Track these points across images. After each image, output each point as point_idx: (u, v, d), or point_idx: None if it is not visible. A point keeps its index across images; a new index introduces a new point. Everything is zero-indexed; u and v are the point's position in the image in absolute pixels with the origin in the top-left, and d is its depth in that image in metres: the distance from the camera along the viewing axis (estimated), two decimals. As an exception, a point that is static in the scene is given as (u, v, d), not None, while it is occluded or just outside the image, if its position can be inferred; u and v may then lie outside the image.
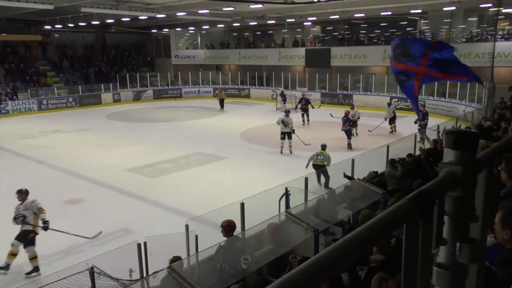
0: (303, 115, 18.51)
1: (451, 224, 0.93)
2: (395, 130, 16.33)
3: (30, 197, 7.17)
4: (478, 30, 22.21)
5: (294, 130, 13.51)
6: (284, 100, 21.95)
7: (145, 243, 5.08)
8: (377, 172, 7.85)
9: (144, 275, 5.05)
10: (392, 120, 16.42)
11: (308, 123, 18.41)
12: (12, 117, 22.05)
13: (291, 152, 13.31)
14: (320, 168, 9.72)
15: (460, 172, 0.92)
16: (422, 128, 13.06)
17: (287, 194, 6.81)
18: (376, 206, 6.32)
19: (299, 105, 18.66)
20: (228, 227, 5.58)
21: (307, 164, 10.27)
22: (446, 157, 0.96)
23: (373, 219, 0.75)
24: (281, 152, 13.41)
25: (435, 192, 0.87)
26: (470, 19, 22.62)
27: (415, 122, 13.52)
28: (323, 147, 10.47)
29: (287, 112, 13.76)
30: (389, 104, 17.10)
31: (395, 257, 3.61)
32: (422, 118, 13.25)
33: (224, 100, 23.63)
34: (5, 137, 16.91)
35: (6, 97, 22.97)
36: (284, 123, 13.30)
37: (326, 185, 9.59)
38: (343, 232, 5.95)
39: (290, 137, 13.43)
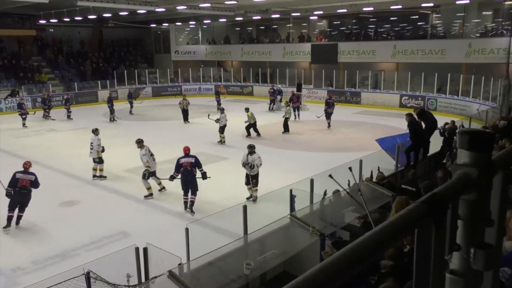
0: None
1: (465, 229, 0.92)
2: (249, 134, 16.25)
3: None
4: (493, 24, 22.09)
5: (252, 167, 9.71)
6: (273, 99, 22.70)
7: (144, 249, 5.08)
8: (382, 173, 7.84)
9: (143, 280, 5.06)
10: (222, 129, 15.44)
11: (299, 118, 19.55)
12: (5, 115, 22.14)
13: (254, 200, 9.59)
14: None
15: (474, 174, 0.91)
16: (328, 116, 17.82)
17: (291, 196, 6.80)
18: (385, 209, 6.30)
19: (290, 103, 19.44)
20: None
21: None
22: (460, 158, 0.95)
23: (384, 224, 0.74)
24: (249, 199, 9.58)
25: (449, 195, 0.86)
26: (484, 13, 22.51)
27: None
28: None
29: (252, 148, 9.77)
30: (221, 110, 16.14)
31: (407, 262, 3.60)
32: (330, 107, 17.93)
33: (188, 111, 19.81)
34: (-2, 136, 16.98)
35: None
36: (250, 164, 9.62)
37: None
38: (350, 236, 5.94)
39: (255, 183, 9.68)
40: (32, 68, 27.10)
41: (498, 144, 6.38)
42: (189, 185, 9.16)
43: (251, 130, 16.22)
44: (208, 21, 30.21)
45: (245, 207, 5.93)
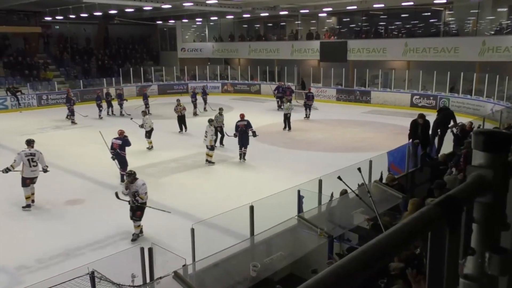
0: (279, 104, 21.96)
1: (480, 232, 0.91)
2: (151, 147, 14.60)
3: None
4: (508, 21, 21.83)
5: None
6: (280, 98, 22.36)
7: (150, 249, 5.10)
8: (392, 174, 7.80)
9: (147, 281, 5.08)
10: (149, 134, 14.63)
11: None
12: (10, 113, 22.38)
13: (134, 240, 8.13)
14: None
15: (490, 176, 0.90)
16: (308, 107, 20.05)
17: (299, 197, 6.79)
18: (395, 211, 6.28)
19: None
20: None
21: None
22: (475, 159, 0.94)
23: (396, 226, 0.74)
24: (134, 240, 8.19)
25: (463, 197, 0.86)
26: (499, 9, 22.26)
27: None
28: None
29: (131, 176, 8.10)
30: (145, 113, 15.52)
31: (416, 264, 3.58)
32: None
33: (185, 117, 17.61)
34: (3, 134, 17.16)
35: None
36: (133, 194, 8.03)
37: None
38: (359, 238, 5.92)
39: (138, 216, 8.14)
40: (37, 65, 27.33)
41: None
42: (243, 141, 12.76)
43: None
44: (215, 18, 30.24)
45: (251, 208, 5.93)
